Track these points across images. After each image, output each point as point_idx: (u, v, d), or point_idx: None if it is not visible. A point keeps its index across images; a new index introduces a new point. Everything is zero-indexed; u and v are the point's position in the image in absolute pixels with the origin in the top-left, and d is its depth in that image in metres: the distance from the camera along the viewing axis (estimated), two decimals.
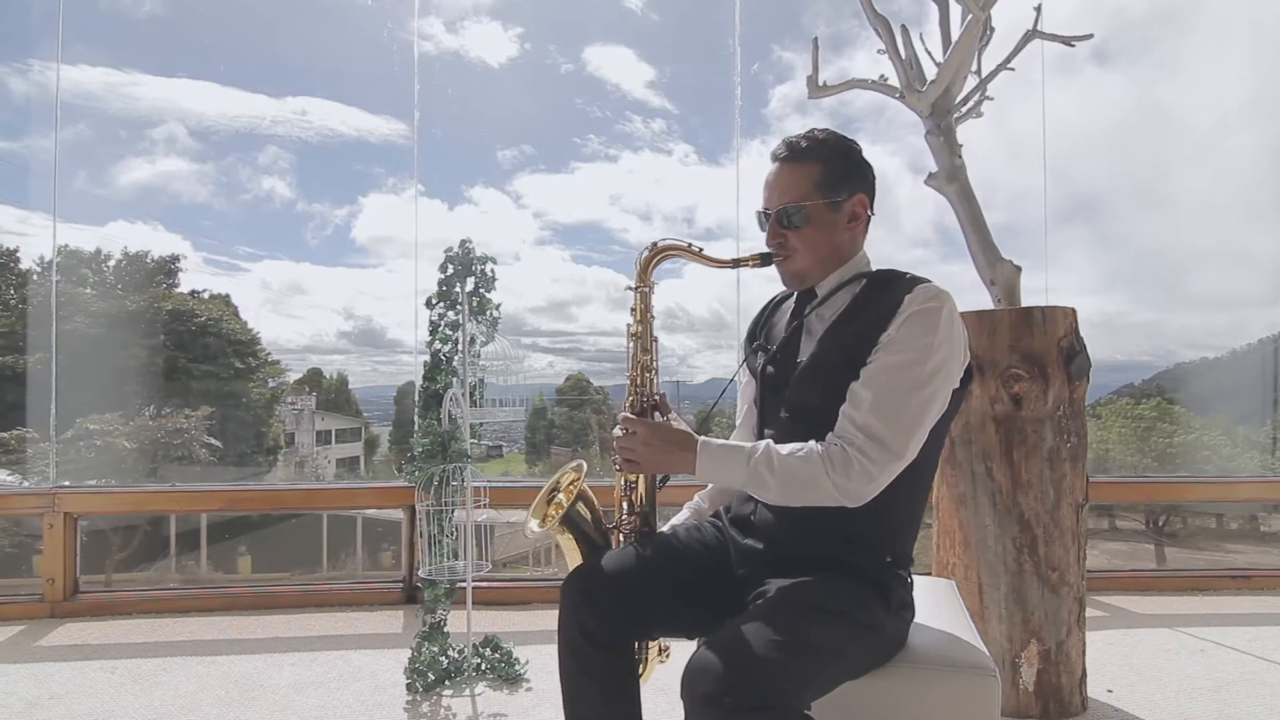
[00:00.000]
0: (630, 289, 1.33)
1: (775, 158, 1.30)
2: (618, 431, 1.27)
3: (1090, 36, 2.21)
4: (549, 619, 2.84)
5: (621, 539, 1.37)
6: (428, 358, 2.24)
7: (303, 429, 23.01)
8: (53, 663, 2.38)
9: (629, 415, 1.28)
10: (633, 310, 1.34)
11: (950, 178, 2.18)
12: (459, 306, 2.27)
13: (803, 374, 1.25)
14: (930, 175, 2.22)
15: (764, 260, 1.28)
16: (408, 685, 2.14)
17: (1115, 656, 2.39)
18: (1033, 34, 2.17)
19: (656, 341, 1.35)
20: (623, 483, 1.36)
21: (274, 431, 21.08)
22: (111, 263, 21.29)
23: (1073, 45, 2.20)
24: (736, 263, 1.29)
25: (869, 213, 1.29)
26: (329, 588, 2.92)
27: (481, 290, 2.31)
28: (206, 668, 2.34)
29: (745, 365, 1.44)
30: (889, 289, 1.21)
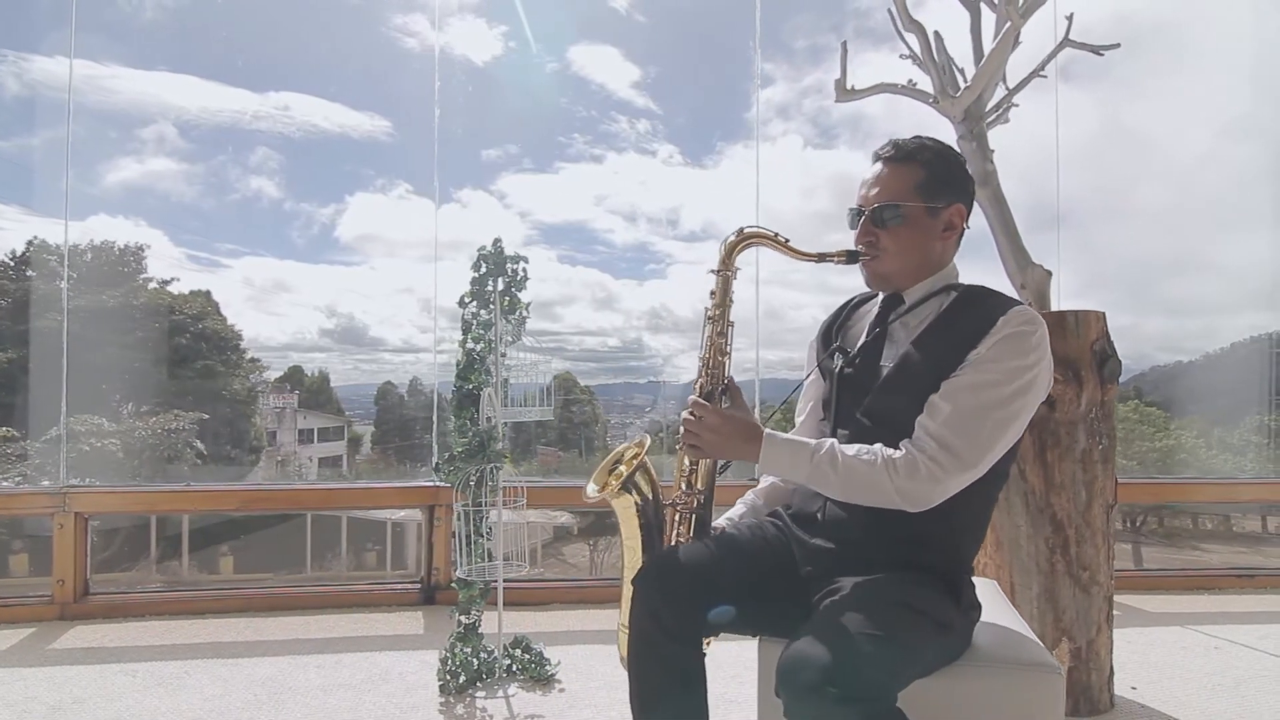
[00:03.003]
0: (712, 272, 1.32)
1: (879, 157, 1.29)
2: (686, 414, 1.27)
3: (1117, 46, 2.25)
4: (570, 620, 2.84)
5: (676, 517, 1.36)
6: (461, 356, 2.23)
7: (285, 427, 22.71)
8: (70, 666, 2.33)
9: (699, 400, 1.28)
10: (711, 293, 1.32)
11: (982, 182, 2.21)
12: (491, 306, 2.26)
13: (887, 381, 1.25)
14: None
15: (850, 258, 1.27)
16: (440, 686, 2.13)
17: (1134, 654, 2.44)
18: (1065, 43, 2.21)
19: (733, 326, 1.34)
20: (686, 462, 1.35)
21: (256, 430, 20.79)
22: (87, 257, 20.85)
23: (1101, 54, 2.24)
24: (822, 257, 1.27)
25: (965, 225, 1.29)
26: (347, 589, 2.89)
27: (513, 290, 2.30)
28: (230, 670, 2.30)
29: (818, 366, 1.43)
30: (983, 306, 1.22)
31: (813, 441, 1.21)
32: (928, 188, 1.24)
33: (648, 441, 1.41)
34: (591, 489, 1.39)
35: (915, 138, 1.28)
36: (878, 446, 1.18)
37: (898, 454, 1.16)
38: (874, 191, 1.27)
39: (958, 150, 1.30)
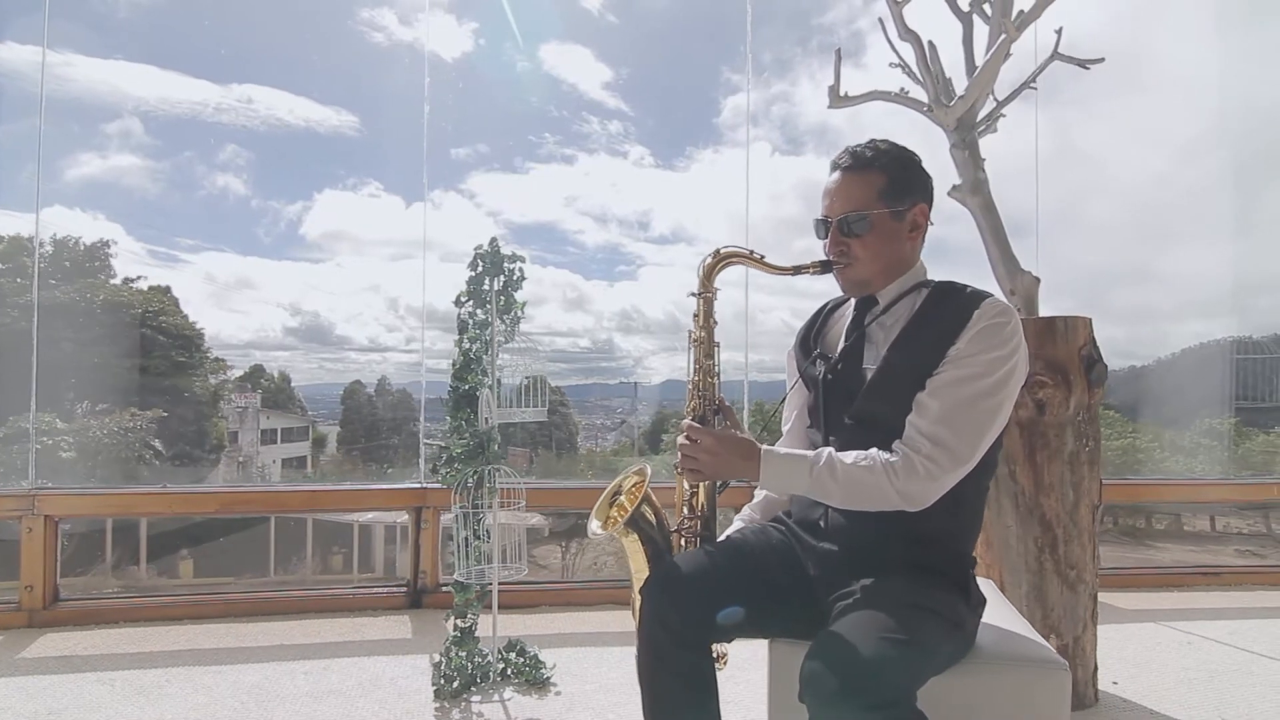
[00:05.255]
0: (693, 295, 1.34)
1: (838, 166, 1.31)
2: (681, 439, 1.28)
3: (1102, 60, 2.32)
4: (559, 622, 2.82)
5: (683, 542, 1.38)
6: (457, 356, 2.20)
7: (246, 428, 22.12)
8: (43, 675, 2.24)
9: (693, 424, 1.29)
10: (695, 316, 1.35)
11: (974, 190, 2.26)
12: (487, 305, 2.24)
13: (872, 385, 1.27)
14: (954, 188, 2.29)
15: (824, 268, 1.30)
16: (435, 691, 2.10)
17: (1111, 650, 2.51)
18: (1054, 56, 2.27)
19: (719, 347, 1.36)
20: (685, 486, 1.37)
21: (218, 430, 20.22)
22: (42, 250, 20.01)
23: (1088, 68, 2.31)
24: (797, 270, 1.30)
25: (929, 222, 1.33)
26: (330, 593, 2.83)
27: (509, 290, 2.28)
28: (213, 678, 2.24)
29: (801, 374, 1.44)
30: (955, 301, 1.25)
31: (810, 453, 1.22)
32: (890, 192, 1.27)
33: (649, 472, 1.40)
34: (595, 525, 1.38)
35: (870, 144, 1.30)
36: (874, 452, 1.20)
37: (894, 457, 1.18)
38: (838, 202, 1.29)
39: (913, 150, 1.31)
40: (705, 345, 1.34)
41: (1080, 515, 2.08)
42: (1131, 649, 2.54)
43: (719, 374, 1.36)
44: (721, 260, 1.32)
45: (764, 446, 1.24)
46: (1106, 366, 2.11)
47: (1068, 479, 2.07)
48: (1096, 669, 2.14)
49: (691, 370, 1.35)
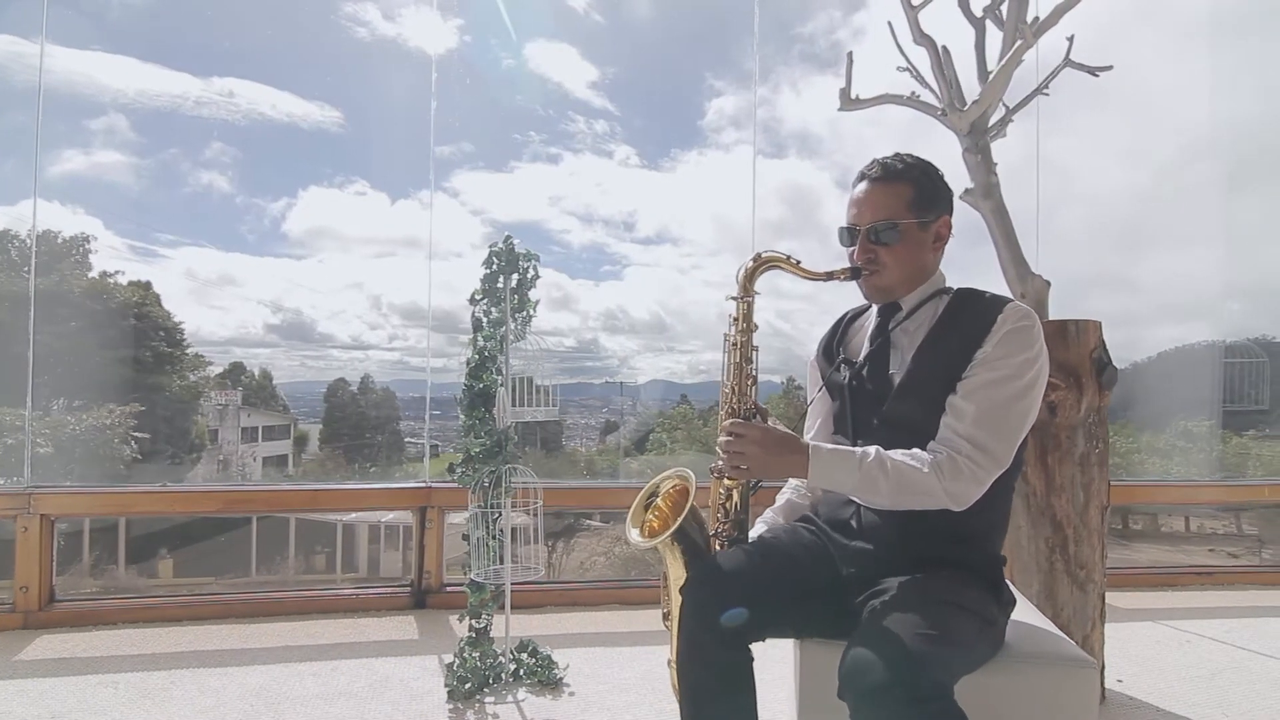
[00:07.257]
0: (732, 299, 1.34)
1: (866, 176, 1.34)
2: (724, 438, 1.27)
3: (1110, 68, 2.36)
4: (567, 622, 2.80)
5: (718, 546, 1.37)
6: (472, 354, 2.18)
7: (227, 425, 21.77)
8: (43, 678, 2.19)
9: (737, 420, 1.28)
10: (734, 320, 1.34)
11: (986, 194, 2.29)
12: (501, 304, 2.23)
13: (901, 388, 1.29)
14: (966, 191, 2.31)
15: (853, 274, 1.33)
16: (449, 692, 2.08)
17: (1113, 648, 2.53)
18: (1066, 62, 2.30)
19: (758, 351, 1.36)
20: (720, 490, 1.36)
21: (198, 428, 19.90)
22: (18, 243, 19.57)
23: (1097, 75, 2.34)
24: (829, 275, 1.33)
25: (950, 234, 1.37)
26: (332, 593, 2.80)
27: (523, 289, 2.27)
28: (220, 680, 2.20)
29: (825, 382, 1.45)
30: (979, 307, 1.29)
31: (857, 450, 1.23)
32: (918, 204, 1.30)
33: (693, 479, 1.37)
34: (635, 536, 1.35)
35: (897, 156, 1.33)
36: (917, 451, 1.21)
37: (938, 457, 1.20)
38: (867, 211, 1.32)
39: (938, 165, 1.35)
40: (744, 349, 1.34)
41: (1090, 516, 2.11)
42: (1134, 648, 2.58)
43: (756, 376, 1.35)
44: (761, 264, 1.32)
45: (810, 442, 1.24)
46: (1117, 369, 2.14)
47: (1078, 480, 2.10)
48: (1104, 667, 2.17)
49: (728, 374, 1.34)
